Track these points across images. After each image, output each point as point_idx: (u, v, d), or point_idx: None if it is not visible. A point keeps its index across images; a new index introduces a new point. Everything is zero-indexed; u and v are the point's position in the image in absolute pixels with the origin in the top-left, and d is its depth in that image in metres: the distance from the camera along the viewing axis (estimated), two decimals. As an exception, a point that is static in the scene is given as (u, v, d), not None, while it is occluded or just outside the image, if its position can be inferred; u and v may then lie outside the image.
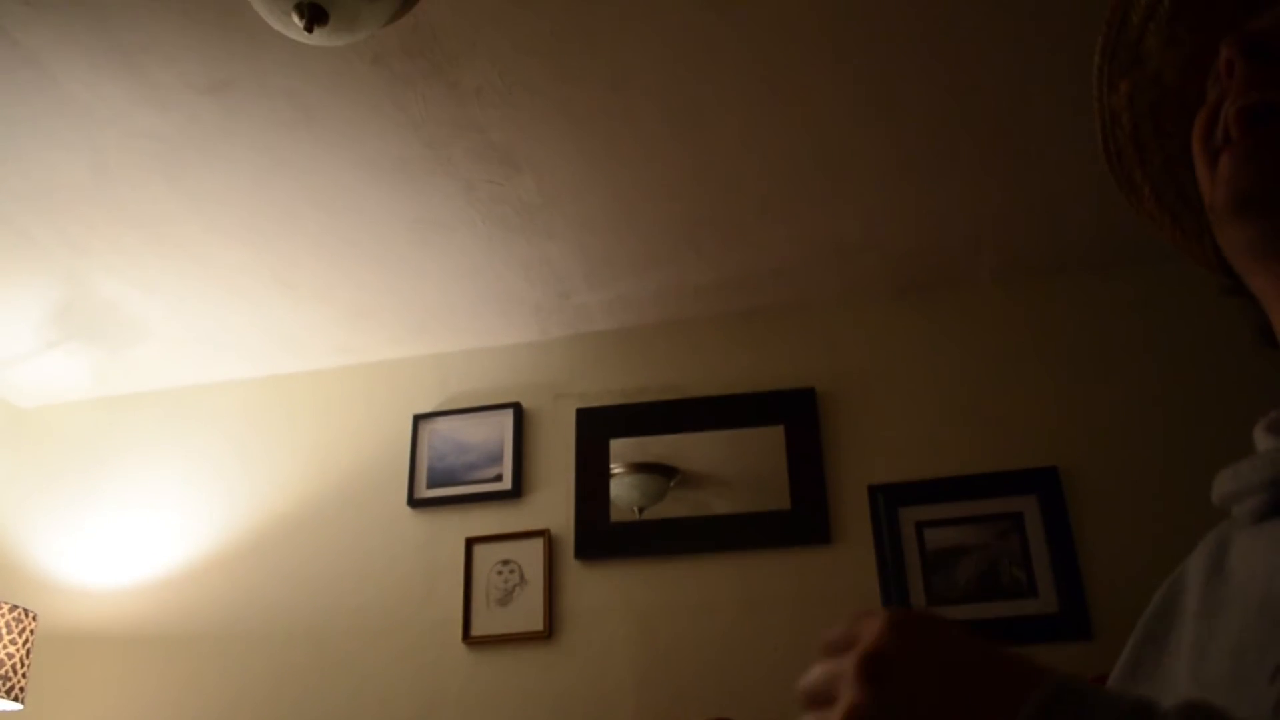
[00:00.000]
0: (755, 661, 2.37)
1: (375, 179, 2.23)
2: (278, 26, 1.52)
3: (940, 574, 2.37)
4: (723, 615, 2.44)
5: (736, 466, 2.59)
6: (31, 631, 2.48)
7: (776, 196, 2.33)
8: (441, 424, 2.79)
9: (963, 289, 2.67)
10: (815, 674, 0.44)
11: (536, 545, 2.58)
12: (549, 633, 2.49)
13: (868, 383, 2.62)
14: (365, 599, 2.64)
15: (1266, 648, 0.47)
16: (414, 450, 2.76)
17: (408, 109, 2.02)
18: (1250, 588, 0.53)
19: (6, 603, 2.46)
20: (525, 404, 2.78)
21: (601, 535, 2.57)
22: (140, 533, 2.85)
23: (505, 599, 2.55)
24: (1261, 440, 0.58)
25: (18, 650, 2.41)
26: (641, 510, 2.59)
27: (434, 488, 2.72)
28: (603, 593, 2.52)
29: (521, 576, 2.56)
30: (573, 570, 2.56)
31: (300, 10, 1.47)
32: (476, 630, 2.53)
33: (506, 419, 2.74)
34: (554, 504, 2.64)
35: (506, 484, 2.67)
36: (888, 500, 2.46)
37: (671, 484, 2.60)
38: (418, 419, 2.80)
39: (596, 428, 2.68)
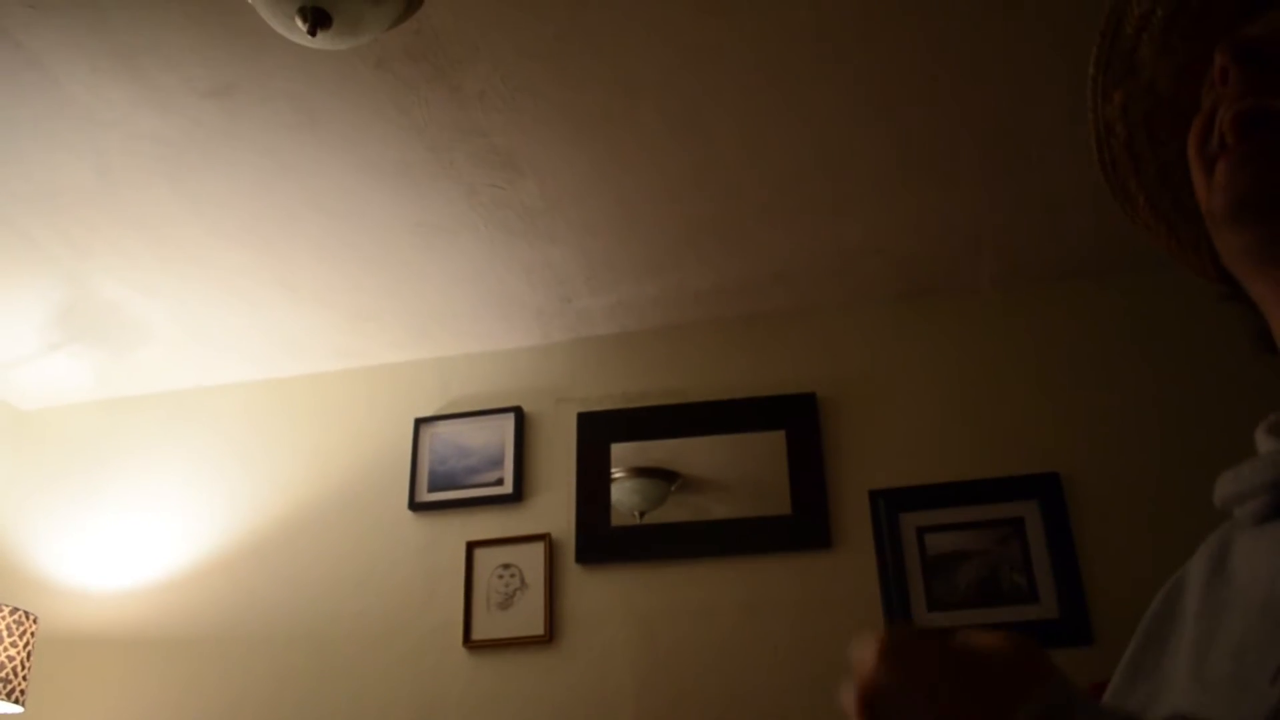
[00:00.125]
0: (756, 666, 2.37)
1: (378, 183, 2.23)
2: (281, 30, 1.53)
3: (941, 579, 2.37)
4: (723, 620, 2.44)
5: (737, 471, 2.59)
6: (32, 634, 2.48)
7: (778, 201, 2.33)
8: (443, 428, 2.79)
9: (964, 295, 2.67)
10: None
11: (537, 549, 2.58)
12: (550, 637, 2.49)
13: (869, 388, 2.62)
14: (366, 602, 2.64)
15: (1268, 649, 0.48)
16: (415, 454, 2.76)
17: (410, 113, 2.02)
18: (1252, 589, 0.53)
19: (7, 605, 2.46)
20: (526, 408, 2.78)
21: (602, 539, 2.57)
22: (141, 535, 2.85)
23: (506, 603, 2.55)
24: (1263, 443, 0.58)
25: (18, 653, 2.41)
26: (642, 514, 2.59)
27: (435, 491, 2.72)
28: (603, 597, 2.52)
29: (522, 580, 2.56)
30: (573, 574, 2.56)
31: (304, 14, 1.47)
32: (477, 634, 2.53)
33: (508, 423, 2.74)
34: (555, 508, 2.64)
35: (507, 488, 2.67)
36: (888, 505, 2.46)
37: (672, 488, 2.60)
38: (419, 422, 2.80)
39: (598, 432, 2.69)
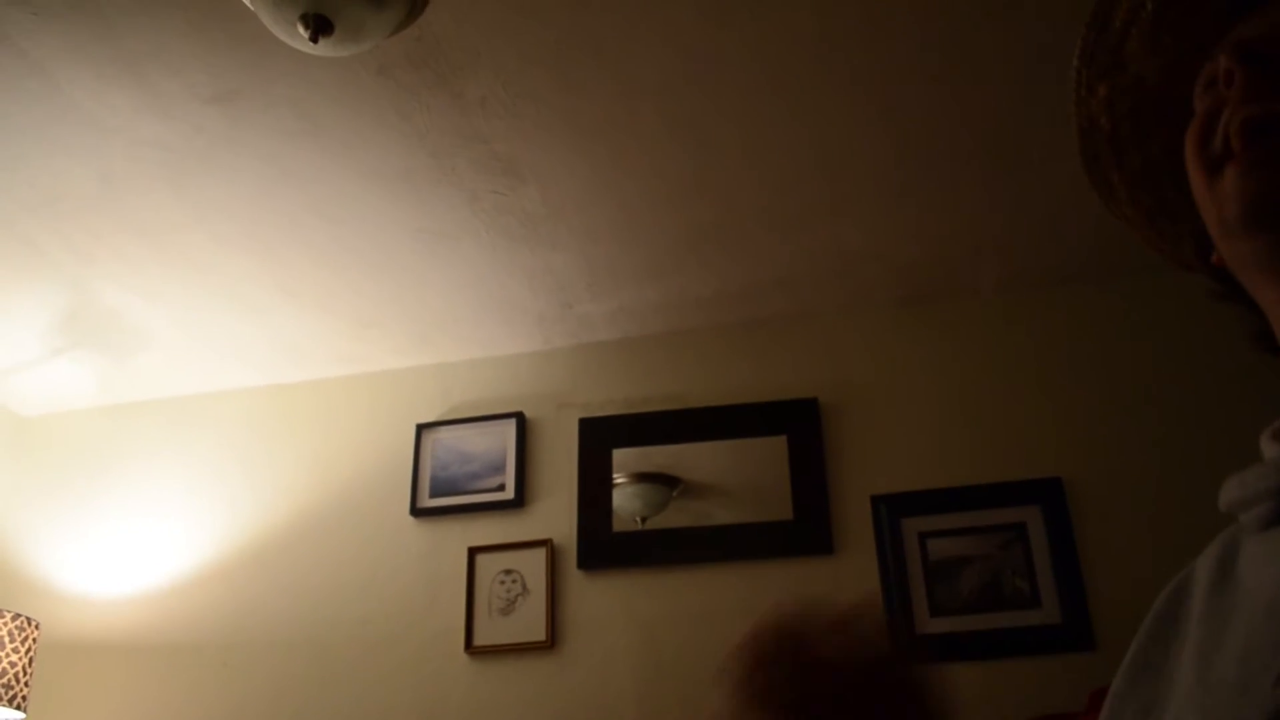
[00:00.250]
0: (758, 672, 2.36)
1: (380, 189, 2.23)
2: (283, 37, 1.53)
3: (943, 585, 2.37)
4: (725, 625, 2.42)
5: (739, 476, 2.58)
6: (34, 640, 2.48)
7: (779, 207, 2.34)
8: (444, 433, 2.79)
9: (965, 300, 2.67)
10: None
11: (539, 555, 2.58)
12: (551, 642, 2.49)
13: (870, 393, 2.62)
14: (367, 608, 2.64)
15: (1271, 653, 0.48)
16: (417, 460, 2.76)
17: (412, 119, 2.03)
18: (1257, 594, 0.53)
19: (9, 611, 2.46)
20: (528, 414, 2.78)
21: (604, 545, 2.57)
22: (143, 541, 2.85)
23: (507, 609, 2.55)
24: (1268, 449, 0.58)
25: (20, 659, 2.41)
26: (644, 520, 2.59)
27: (436, 497, 2.72)
28: (605, 602, 2.52)
29: (524, 586, 2.56)
30: (575, 580, 2.56)
31: (305, 21, 1.48)
32: (479, 640, 2.53)
33: (509, 429, 2.74)
34: (556, 514, 2.64)
35: (509, 494, 2.67)
36: (890, 510, 2.45)
37: (674, 494, 2.60)
38: (421, 428, 2.80)
39: (599, 437, 2.69)
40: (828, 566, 2.44)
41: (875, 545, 2.43)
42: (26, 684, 2.43)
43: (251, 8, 1.53)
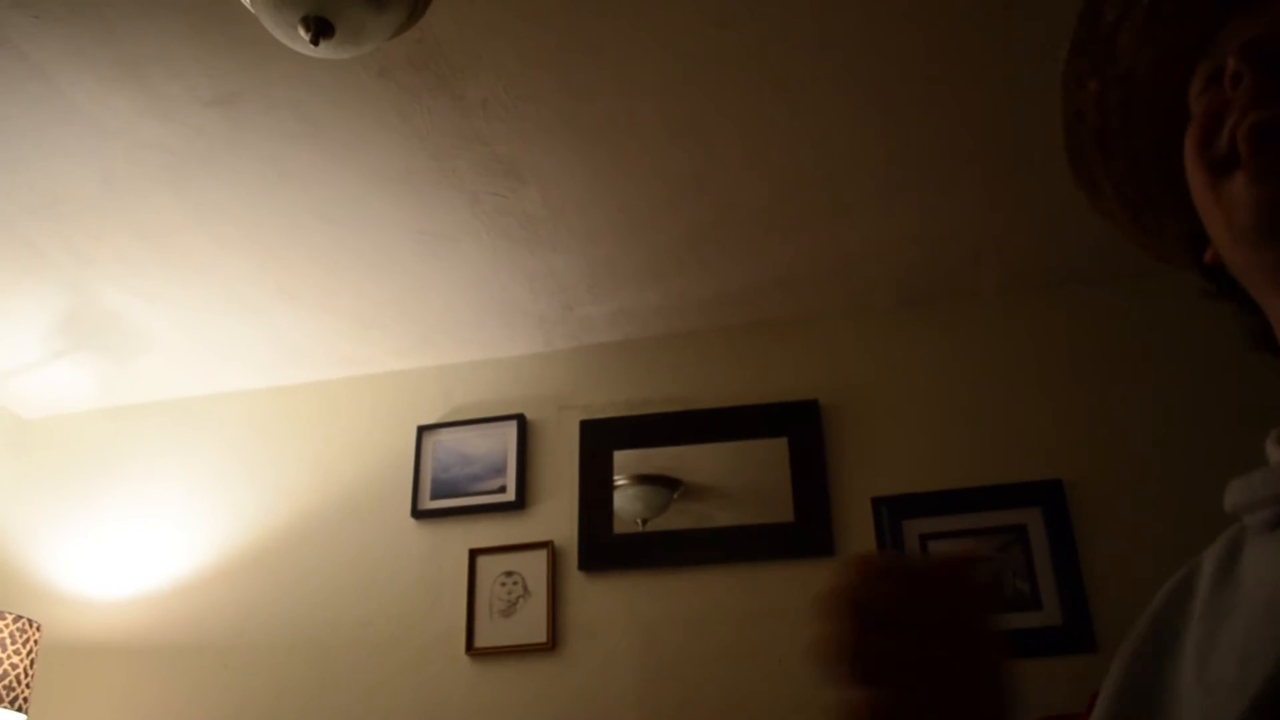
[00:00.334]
0: (758, 674, 2.36)
1: (380, 191, 2.23)
2: (284, 40, 1.53)
3: (944, 586, 2.36)
4: (726, 627, 2.43)
5: (740, 478, 2.58)
6: (35, 642, 2.48)
7: (780, 209, 2.34)
8: (445, 435, 2.79)
9: (966, 302, 2.67)
10: None
11: (540, 557, 2.58)
12: (552, 644, 2.49)
13: (871, 395, 2.62)
14: (369, 610, 2.64)
15: (1270, 653, 0.48)
16: (418, 461, 2.77)
17: (413, 121, 2.03)
18: (1257, 593, 0.53)
19: (10, 613, 2.46)
20: (529, 415, 2.78)
21: (605, 547, 2.57)
22: (144, 543, 2.86)
23: (509, 610, 2.55)
24: (1273, 452, 0.58)
25: (21, 661, 2.41)
26: (645, 522, 2.59)
27: (438, 499, 2.72)
28: (606, 604, 2.52)
29: (525, 588, 2.56)
30: (576, 582, 2.56)
31: (306, 24, 1.48)
32: (480, 642, 2.53)
33: (510, 430, 2.74)
34: (557, 515, 2.64)
35: (510, 495, 2.67)
36: (891, 512, 2.45)
37: (675, 496, 2.60)
38: (422, 430, 2.80)
39: (600, 439, 2.69)
40: (829, 569, 2.44)
41: (876, 547, 2.43)
42: (28, 685, 2.43)
43: (252, 10, 1.53)
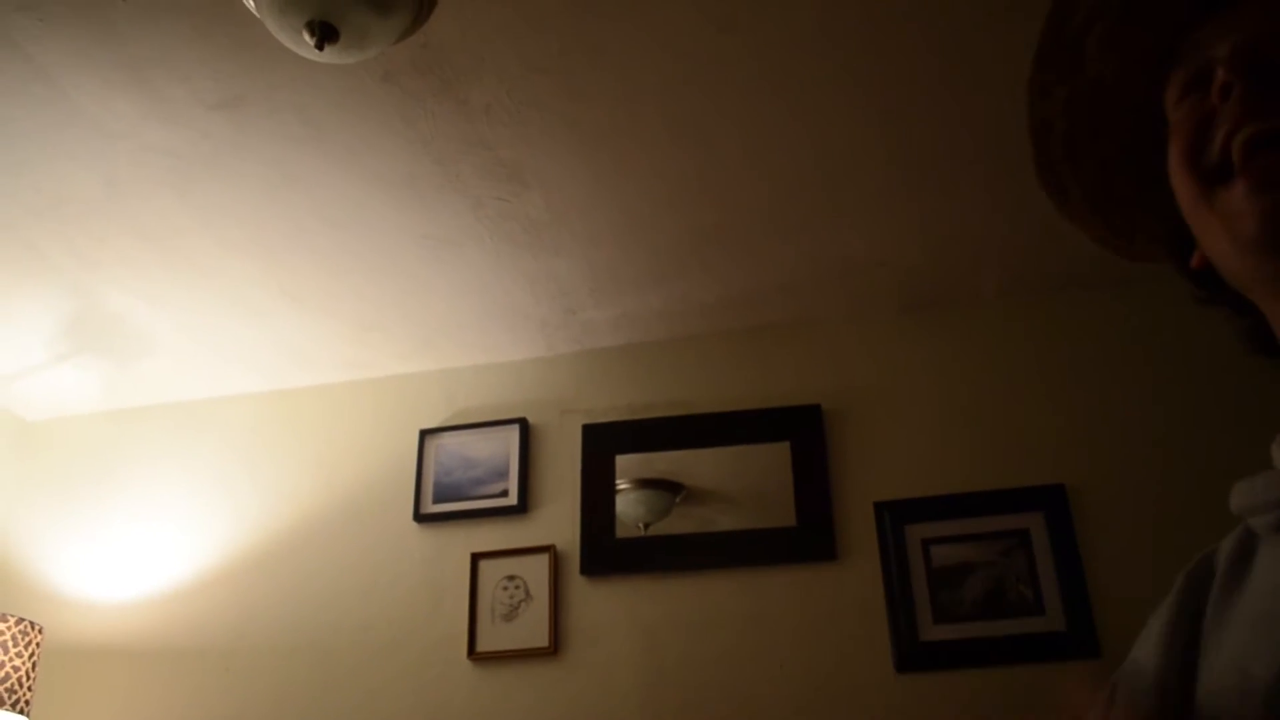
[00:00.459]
0: (761, 678, 2.36)
1: (384, 195, 2.24)
2: (288, 44, 1.54)
3: (946, 591, 2.36)
4: (728, 632, 2.43)
5: (742, 483, 2.58)
6: (38, 645, 2.48)
7: (783, 213, 2.34)
8: (448, 439, 2.79)
9: (968, 306, 2.67)
10: None
11: (542, 561, 2.58)
12: (554, 649, 2.49)
13: (874, 399, 2.62)
14: (370, 614, 2.64)
15: (1265, 663, 0.48)
16: (420, 465, 2.77)
17: (417, 126, 2.03)
18: (1261, 602, 0.53)
19: (13, 616, 2.46)
20: (531, 419, 2.78)
21: (607, 551, 2.57)
22: (147, 546, 2.86)
23: (510, 615, 2.55)
24: (1278, 456, 0.58)
25: (24, 663, 2.42)
26: (647, 526, 2.59)
27: (440, 503, 2.72)
28: (608, 609, 2.52)
29: (527, 592, 2.56)
30: (578, 586, 2.56)
31: (311, 28, 1.48)
32: (481, 646, 2.53)
33: (513, 434, 2.74)
34: (560, 520, 2.64)
35: (512, 499, 2.67)
36: (894, 517, 2.45)
37: (677, 500, 2.60)
38: (424, 434, 2.80)
39: (602, 443, 2.69)
40: (831, 573, 2.44)
41: (879, 552, 2.43)
42: (30, 688, 2.43)
43: (257, 15, 1.54)
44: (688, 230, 2.39)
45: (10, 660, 2.38)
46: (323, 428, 2.92)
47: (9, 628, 2.41)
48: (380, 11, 1.51)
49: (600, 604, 2.53)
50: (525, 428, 2.75)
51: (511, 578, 2.58)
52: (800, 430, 2.59)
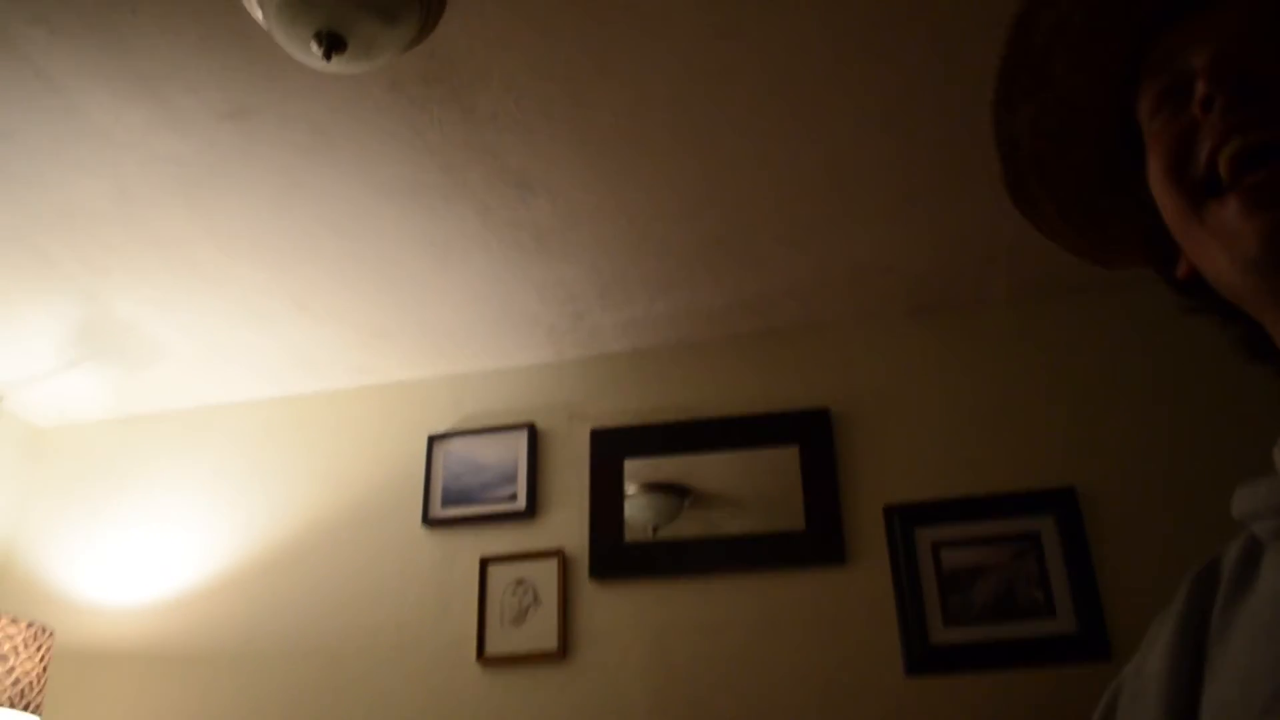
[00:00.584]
0: (770, 682, 2.36)
1: (392, 203, 2.24)
2: (296, 55, 1.55)
3: (957, 595, 2.36)
4: (737, 635, 2.43)
5: (751, 487, 2.58)
6: (48, 649, 2.49)
7: (790, 218, 2.34)
8: (456, 444, 2.80)
9: (977, 309, 2.67)
10: None
11: (551, 565, 2.59)
12: (563, 652, 2.49)
13: (883, 403, 2.61)
14: (379, 618, 2.65)
15: (1268, 677, 0.48)
16: (429, 470, 2.77)
17: (424, 134, 2.04)
18: (1265, 611, 0.53)
19: (24, 620, 2.48)
20: (540, 424, 2.78)
21: (615, 555, 2.57)
22: (157, 551, 2.87)
23: (519, 618, 2.55)
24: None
25: (35, 667, 2.43)
26: (656, 530, 2.59)
27: (448, 507, 2.73)
28: (617, 612, 2.52)
29: (535, 596, 2.57)
30: (587, 590, 2.56)
31: (319, 39, 1.49)
32: (490, 650, 2.53)
33: (521, 439, 2.75)
34: (568, 524, 2.65)
35: (521, 504, 2.68)
36: (904, 520, 2.45)
37: (686, 504, 2.60)
38: (433, 439, 2.81)
39: (611, 448, 2.69)
40: (840, 577, 2.44)
41: (888, 555, 2.43)
42: (41, 692, 2.45)
43: (265, 26, 1.54)
44: (695, 236, 2.39)
45: (21, 664, 2.39)
46: (332, 434, 2.93)
47: (20, 632, 2.43)
48: (387, 21, 1.52)
49: (609, 608, 2.53)
50: (534, 433, 2.76)
51: (520, 582, 2.59)
52: (809, 434, 2.59)
